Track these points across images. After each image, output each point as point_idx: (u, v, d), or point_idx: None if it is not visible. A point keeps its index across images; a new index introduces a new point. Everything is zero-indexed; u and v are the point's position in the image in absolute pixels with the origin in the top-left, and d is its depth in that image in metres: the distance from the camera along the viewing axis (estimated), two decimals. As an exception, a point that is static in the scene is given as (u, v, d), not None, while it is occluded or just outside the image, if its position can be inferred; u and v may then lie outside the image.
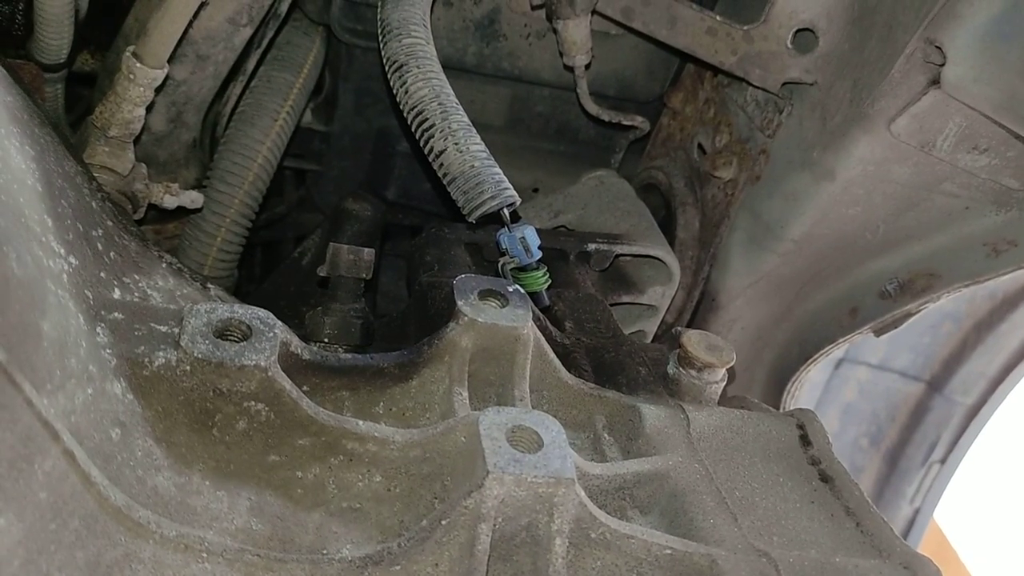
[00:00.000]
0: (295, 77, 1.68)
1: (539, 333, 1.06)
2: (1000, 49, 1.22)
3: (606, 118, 1.76)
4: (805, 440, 1.12)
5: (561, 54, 1.61)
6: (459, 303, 0.99)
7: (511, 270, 1.23)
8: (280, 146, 1.66)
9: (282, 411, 0.85)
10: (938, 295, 1.58)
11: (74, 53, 1.43)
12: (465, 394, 0.97)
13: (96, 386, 0.76)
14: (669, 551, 0.88)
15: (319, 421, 0.86)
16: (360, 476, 0.88)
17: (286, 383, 0.85)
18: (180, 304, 0.98)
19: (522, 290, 1.06)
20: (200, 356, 0.82)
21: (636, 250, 1.59)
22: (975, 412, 3.40)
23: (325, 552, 0.82)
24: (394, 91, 1.26)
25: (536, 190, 1.90)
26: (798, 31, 1.49)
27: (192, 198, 1.52)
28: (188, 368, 0.83)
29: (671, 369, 1.18)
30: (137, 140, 1.41)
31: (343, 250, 1.22)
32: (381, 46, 1.31)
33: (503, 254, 1.24)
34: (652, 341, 1.74)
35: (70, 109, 1.54)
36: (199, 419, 0.84)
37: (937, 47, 1.27)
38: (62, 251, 0.80)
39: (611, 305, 1.50)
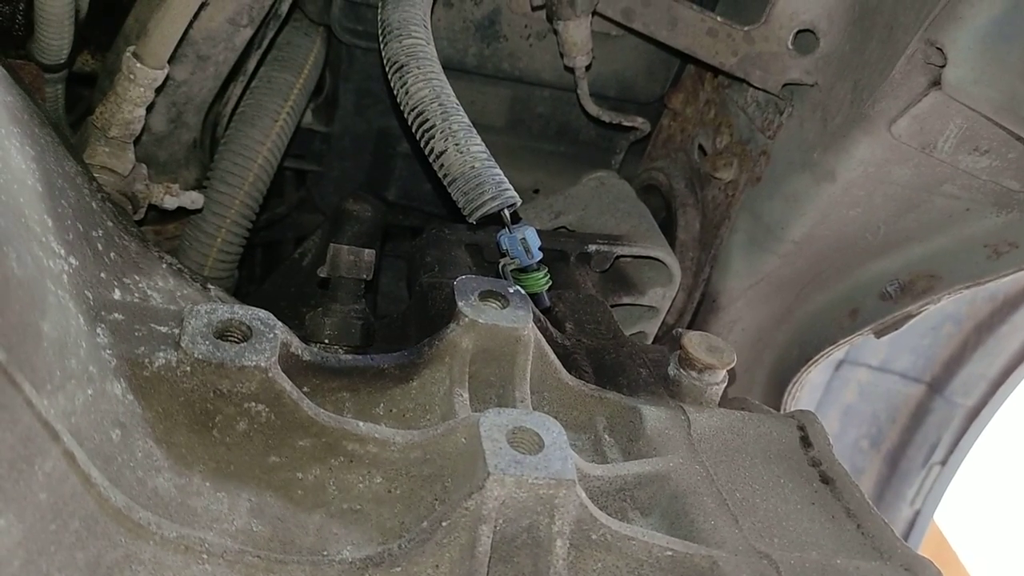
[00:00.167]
0: (295, 78, 1.68)
1: (540, 334, 1.05)
2: (1001, 50, 1.22)
3: (606, 119, 1.76)
4: (806, 441, 1.12)
5: (562, 55, 1.61)
6: (460, 304, 0.99)
7: (512, 271, 1.23)
8: (280, 147, 1.66)
9: (282, 412, 0.85)
10: (939, 297, 1.58)
11: (74, 53, 1.43)
12: (466, 395, 0.96)
13: (96, 387, 0.76)
14: (670, 553, 0.88)
15: (319, 422, 0.86)
16: (361, 477, 0.88)
17: (286, 384, 0.85)
18: (180, 305, 0.98)
19: (523, 291, 1.06)
20: (200, 357, 0.82)
21: (637, 251, 1.59)
22: (975, 414, 3.40)
23: (325, 553, 0.81)
24: (395, 92, 1.26)
25: (537, 191, 1.90)
26: (799, 32, 1.49)
27: (192, 199, 1.52)
28: (188, 369, 0.83)
29: (672, 370, 1.18)
30: (137, 140, 1.41)
31: (343, 251, 1.22)
32: (382, 47, 1.30)
33: (504, 255, 1.23)
34: (653, 342, 1.74)
35: (70, 109, 1.54)
36: (199, 420, 0.84)
37: (938, 48, 1.27)
38: (62, 251, 0.80)
39: (612, 306, 1.49)
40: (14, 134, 0.81)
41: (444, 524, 0.79)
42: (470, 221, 1.19)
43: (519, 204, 1.21)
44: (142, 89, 1.32)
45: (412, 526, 0.85)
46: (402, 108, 1.25)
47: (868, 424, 3.57)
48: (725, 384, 1.18)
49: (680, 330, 1.21)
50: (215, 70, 1.50)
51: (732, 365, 1.16)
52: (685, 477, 1.00)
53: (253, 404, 0.85)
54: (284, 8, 1.59)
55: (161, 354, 0.83)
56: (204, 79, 1.51)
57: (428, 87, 1.23)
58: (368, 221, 1.72)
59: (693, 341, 1.16)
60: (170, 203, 1.48)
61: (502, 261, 1.24)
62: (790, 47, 1.50)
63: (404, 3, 1.33)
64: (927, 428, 3.46)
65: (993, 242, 1.50)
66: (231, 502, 0.83)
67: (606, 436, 1.08)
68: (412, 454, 0.88)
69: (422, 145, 1.23)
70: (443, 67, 1.28)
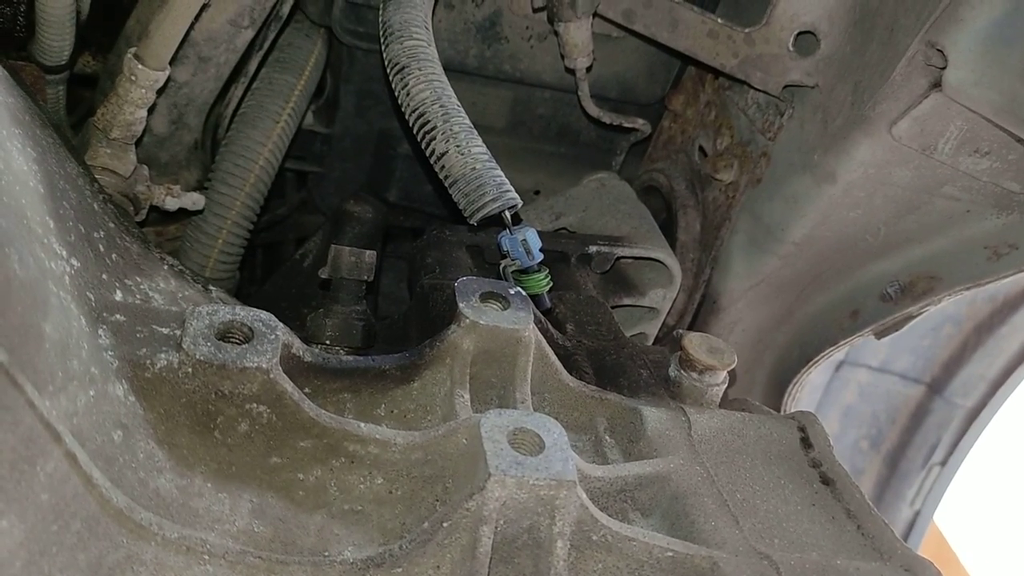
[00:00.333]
0: (297, 79, 1.68)
1: (540, 335, 1.06)
2: (1001, 52, 1.22)
3: (607, 120, 1.76)
4: (806, 442, 1.12)
5: (562, 56, 1.61)
6: (461, 305, 0.99)
7: (512, 272, 1.23)
8: (281, 148, 1.66)
9: (284, 413, 0.85)
10: (939, 298, 1.58)
11: (76, 55, 1.43)
12: (467, 396, 0.97)
13: (98, 388, 0.76)
14: (670, 553, 0.88)
15: (321, 423, 0.86)
16: (362, 478, 0.88)
17: (288, 385, 0.85)
18: (182, 306, 0.98)
19: (523, 292, 1.06)
20: (202, 358, 0.83)
21: (637, 252, 1.59)
22: (975, 415, 3.40)
23: (327, 554, 0.82)
24: (396, 93, 1.26)
25: (537, 192, 1.90)
26: (799, 34, 1.49)
27: (193, 200, 1.52)
28: (190, 370, 0.83)
29: (672, 371, 1.18)
30: (139, 142, 1.41)
31: (344, 252, 1.22)
32: (383, 48, 1.31)
33: (504, 256, 1.24)
34: (653, 343, 1.74)
35: (72, 111, 1.54)
36: (201, 421, 0.84)
37: (938, 50, 1.27)
38: (64, 253, 0.80)
39: (612, 307, 1.50)
40: (16, 135, 0.81)
41: (445, 525, 0.79)
42: (471, 222, 1.20)
43: (520, 205, 1.21)
44: (143, 90, 1.32)
45: (413, 527, 0.85)
46: (403, 109, 1.25)
47: (868, 425, 3.57)
48: (726, 385, 1.18)
49: (681, 331, 1.21)
50: (216, 71, 1.50)
51: (733, 366, 1.16)
52: (686, 478, 1.00)
53: (254, 405, 0.85)
54: (285, 9, 1.59)
55: (163, 355, 0.84)
56: (205, 80, 1.51)
57: (429, 88, 1.23)
58: (369, 222, 1.72)
59: (694, 342, 1.16)
60: (171, 204, 1.48)
61: (503, 262, 1.24)
62: (791, 49, 1.50)
63: (405, 5, 1.33)
64: (927, 429, 3.46)
65: (993, 243, 1.50)
66: (232, 503, 0.83)
67: (607, 437, 1.08)
68: (413, 455, 0.88)
69: (423, 146, 1.23)
70: (444, 68, 1.28)
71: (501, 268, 1.24)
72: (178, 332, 0.86)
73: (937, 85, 1.30)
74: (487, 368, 1.01)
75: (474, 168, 1.19)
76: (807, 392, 2.71)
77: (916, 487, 3.53)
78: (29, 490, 0.62)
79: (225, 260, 1.64)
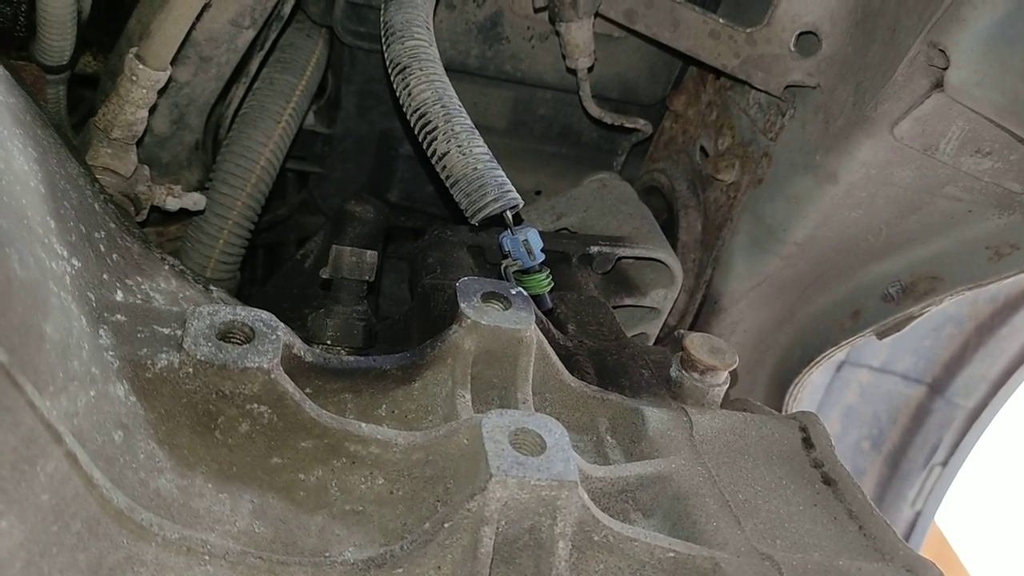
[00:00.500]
0: (298, 79, 1.68)
1: (542, 336, 1.05)
2: (1003, 53, 1.21)
3: (608, 121, 1.76)
4: (808, 443, 1.12)
5: (564, 57, 1.61)
6: (462, 305, 0.99)
7: (514, 272, 1.23)
8: (283, 148, 1.66)
9: (285, 413, 0.85)
10: (940, 298, 1.57)
11: (76, 55, 1.43)
12: (468, 396, 0.96)
13: (99, 388, 0.76)
14: (672, 554, 0.88)
15: (322, 423, 0.86)
16: (363, 478, 0.88)
17: (289, 385, 0.85)
18: (183, 306, 0.98)
19: (525, 293, 1.06)
20: (203, 358, 0.82)
21: (638, 253, 1.59)
22: (976, 415, 3.40)
23: (328, 555, 0.81)
24: (397, 93, 1.26)
25: (539, 193, 1.90)
26: (801, 34, 1.49)
27: (194, 200, 1.52)
28: (191, 370, 0.83)
29: (674, 372, 1.18)
30: (140, 142, 1.41)
31: (345, 252, 1.22)
32: (384, 48, 1.31)
33: (506, 256, 1.23)
34: (655, 344, 1.74)
35: (73, 111, 1.54)
36: (202, 421, 0.84)
37: (940, 50, 1.27)
38: (65, 253, 0.80)
39: (614, 308, 1.49)
40: (16, 136, 0.81)
41: (446, 525, 0.79)
42: (472, 223, 1.20)
43: (521, 206, 1.21)
44: (144, 91, 1.32)
45: (414, 527, 0.85)
46: (404, 110, 1.25)
47: (869, 425, 3.57)
48: (727, 385, 1.18)
49: (682, 331, 1.21)
50: (217, 71, 1.50)
51: (734, 366, 1.16)
52: (687, 478, 1.00)
53: (255, 405, 0.85)
54: (286, 9, 1.59)
55: (163, 356, 0.84)
56: (206, 80, 1.51)
57: (430, 89, 1.23)
58: (370, 223, 1.72)
59: (695, 342, 1.16)
60: (172, 204, 1.48)
61: (504, 263, 1.24)
62: (792, 49, 1.50)
63: (406, 5, 1.33)
64: (928, 429, 3.46)
65: (995, 244, 1.50)
66: (233, 503, 0.83)
67: (608, 437, 1.08)
68: (414, 455, 0.88)
69: (424, 147, 1.23)
70: (445, 69, 1.28)
71: (502, 268, 1.24)
72: (179, 332, 0.86)
73: (939, 85, 1.30)
74: (488, 368, 1.01)
75: (475, 168, 1.19)
76: (808, 392, 2.71)
77: (917, 487, 3.53)
78: (29, 491, 0.62)
79: (226, 260, 1.64)
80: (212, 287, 1.08)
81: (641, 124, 1.81)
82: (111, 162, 1.36)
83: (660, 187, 1.86)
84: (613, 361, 1.21)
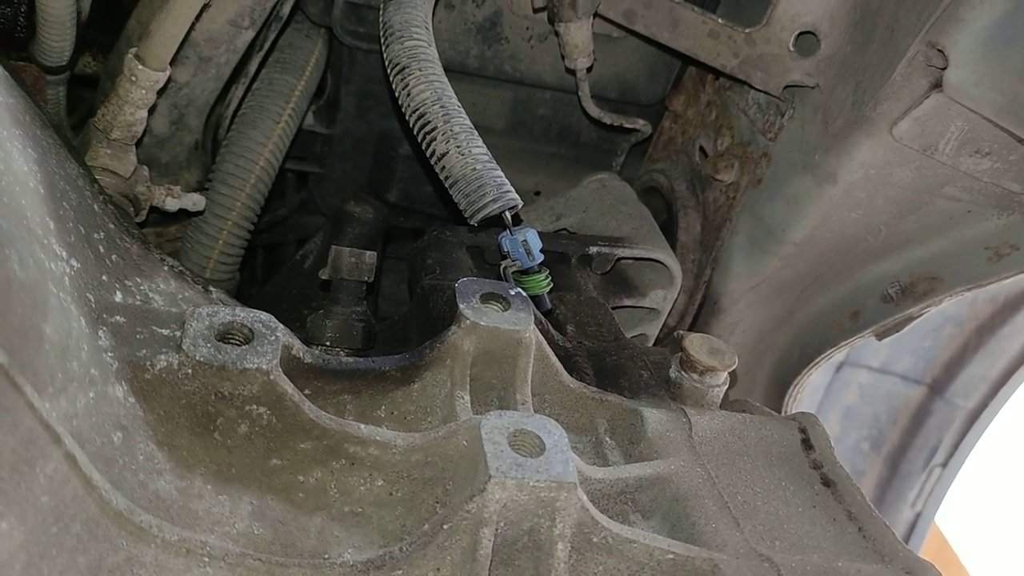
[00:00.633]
0: (297, 79, 1.68)
1: (541, 336, 1.05)
2: (1002, 53, 1.22)
3: (608, 121, 1.76)
4: (807, 444, 1.12)
5: (563, 57, 1.61)
6: (461, 306, 0.99)
7: (513, 273, 1.23)
8: (282, 149, 1.66)
9: (284, 415, 0.85)
10: (940, 299, 1.57)
11: (76, 55, 1.43)
12: (467, 398, 0.96)
13: (98, 389, 0.76)
14: (671, 555, 0.88)
15: (321, 425, 0.86)
16: (362, 480, 0.88)
17: (288, 387, 0.85)
18: (182, 307, 0.98)
19: (524, 293, 1.06)
20: (202, 360, 0.82)
21: (638, 253, 1.59)
22: (976, 416, 3.40)
23: (327, 556, 0.81)
24: (396, 94, 1.26)
25: (538, 193, 1.90)
26: (800, 34, 1.49)
27: (194, 201, 1.52)
28: (190, 371, 0.83)
29: (673, 373, 1.18)
30: (139, 143, 1.41)
31: (345, 253, 1.22)
32: (383, 49, 1.31)
33: (505, 257, 1.23)
34: (654, 344, 1.74)
35: (72, 111, 1.54)
36: (201, 423, 0.84)
37: (939, 50, 1.27)
38: (64, 254, 0.80)
39: (613, 308, 1.49)
40: (16, 136, 0.81)
41: (445, 527, 0.79)
42: (471, 223, 1.20)
43: (520, 206, 1.21)
44: (144, 91, 1.32)
45: (413, 529, 0.85)
46: (403, 110, 1.25)
47: (869, 426, 3.57)
48: (726, 386, 1.18)
49: (681, 332, 1.21)
50: (217, 72, 1.50)
51: (733, 367, 1.16)
52: (686, 480, 1.00)
53: (254, 407, 0.85)
54: (286, 10, 1.59)
55: (163, 357, 0.83)
56: (206, 81, 1.51)
57: (430, 89, 1.23)
58: (369, 223, 1.72)
59: (694, 343, 1.16)
60: (172, 205, 1.48)
61: (503, 263, 1.24)
62: (791, 49, 1.50)
63: (405, 5, 1.33)
64: (928, 430, 3.46)
65: (994, 244, 1.50)
66: (232, 505, 0.83)
67: (607, 438, 1.08)
68: (413, 457, 0.88)
69: (423, 147, 1.23)
70: (444, 69, 1.28)
71: (501, 269, 1.24)
72: (178, 333, 0.86)
73: (938, 85, 1.30)
74: (487, 369, 1.01)
75: (474, 169, 1.19)
76: (808, 393, 2.71)
77: (917, 488, 3.53)
78: (29, 492, 0.62)
79: (225, 261, 1.64)
80: (211, 288, 1.08)
81: (640, 124, 1.81)
82: (110, 163, 1.36)
83: (659, 187, 1.86)
84: (612, 362, 1.21)
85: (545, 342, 1.07)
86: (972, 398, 3.37)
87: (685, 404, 1.14)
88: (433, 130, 1.21)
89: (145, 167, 1.43)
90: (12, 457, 0.60)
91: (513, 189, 1.20)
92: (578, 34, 1.55)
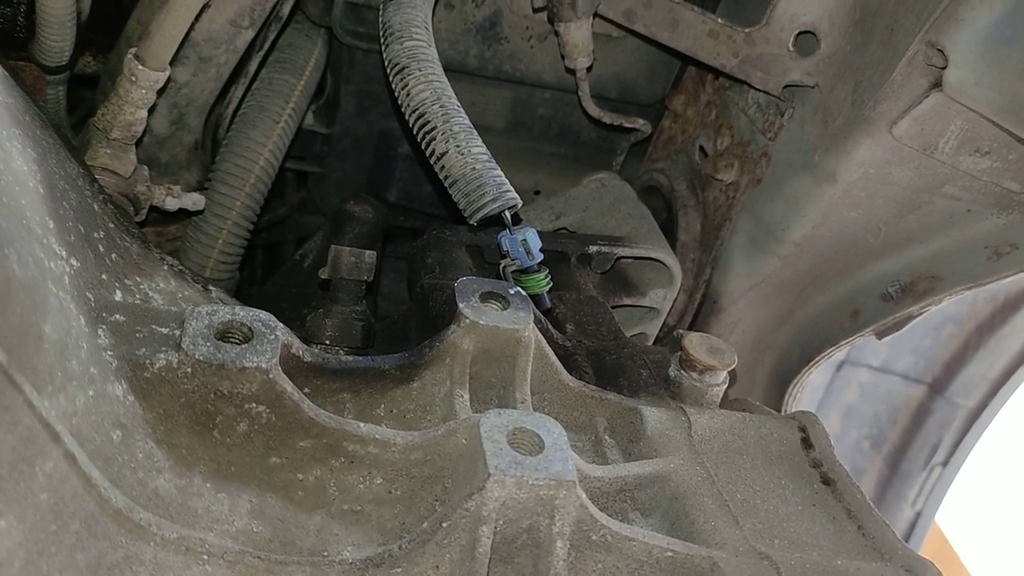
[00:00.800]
0: (297, 79, 1.69)
1: (540, 335, 1.05)
2: (1001, 52, 1.22)
3: (607, 120, 1.76)
4: (807, 443, 1.12)
5: (562, 56, 1.61)
6: (460, 305, 0.99)
7: (512, 272, 1.23)
8: (282, 148, 1.66)
9: (283, 413, 0.85)
10: (940, 298, 1.57)
11: (76, 55, 1.43)
12: (466, 396, 0.97)
13: (97, 388, 0.76)
14: (670, 553, 0.88)
15: (320, 423, 0.86)
16: (361, 478, 0.88)
17: (287, 385, 0.85)
18: (181, 306, 0.98)
19: (523, 292, 1.06)
20: (201, 358, 0.83)
21: (637, 252, 1.59)
22: (977, 415, 3.39)
23: (326, 554, 0.82)
24: (396, 93, 1.26)
25: (537, 192, 1.90)
26: (799, 34, 1.49)
27: (194, 200, 1.52)
28: (189, 370, 0.83)
29: (672, 372, 1.18)
30: (139, 142, 1.41)
31: (344, 252, 1.22)
32: (383, 48, 1.31)
33: (504, 256, 1.24)
34: (654, 344, 1.74)
35: (72, 111, 1.54)
36: (200, 421, 0.84)
37: (939, 50, 1.27)
38: (64, 253, 0.80)
39: (612, 307, 1.49)
40: (16, 136, 0.81)
41: (444, 525, 0.79)
42: (471, 222, 1.20)
43: (520, 205, 1.21)
44: (144, 91, 1.32)
45: (412, 527, 0.85)
46: (403, 110, 1.25)
47: (869, 425, 3.57)
48: (726, 385, 1.18)
49: (681, 331, 1.21)
50: (216, 72, 1.50)
51: (733, 366, 1.16)
52: (686, 478, 1.00)
53: (254, 405, 0.85)
54: (285, 10, 1.59)
55: (162, 355, 0.84)
56: (206, 81, 1.51)
57: (429, 89, 1.23)
58: (369, 222, 1.72)
59: (694, 342, 1.16)
60: (171, 204, 1.48)
61: (503, 262, 1.24)
62: (791, 49, 1.50)
63: (405, 5, 1.33)
64: (928, 429, 3.46)
65: (994, 243, 1.50)
66: (232, 503, 0.83)
67: (607, 437, 1.08)
68: (413, 455, 0.88)
69: (423, 147, 1.23)
70: (444, 69, 1.28)
71: (501, 268, 1.24)
72: (177, 332, 0.86)
73: (937, 85, 1.30)
74: (487, 368, 1.01)
75: (474, 168, 1.19)
76: (808, 392, 2.71)
77: (918, 487, 3.52)
78: (28, 490, 0.62)
79: (225, 260, 1.64)
80: (211, 287, 1.08)
81: (640, 124, 1.81)
82: (110, 162, 1.36)
83: (659, 187, 1.86)
84: (612, 361, 1.21)
85: (544, 341, 1.07)
86: (972, 397, 3.37)
87: (684, 403, 1.14)
88: (433, 130, 1.21)
89: (145, 167, 1.43)
90: (11, 455, 0.61)
91: (512, 188, 1.20)
92: (578, 34, 1.55)
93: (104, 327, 0.84)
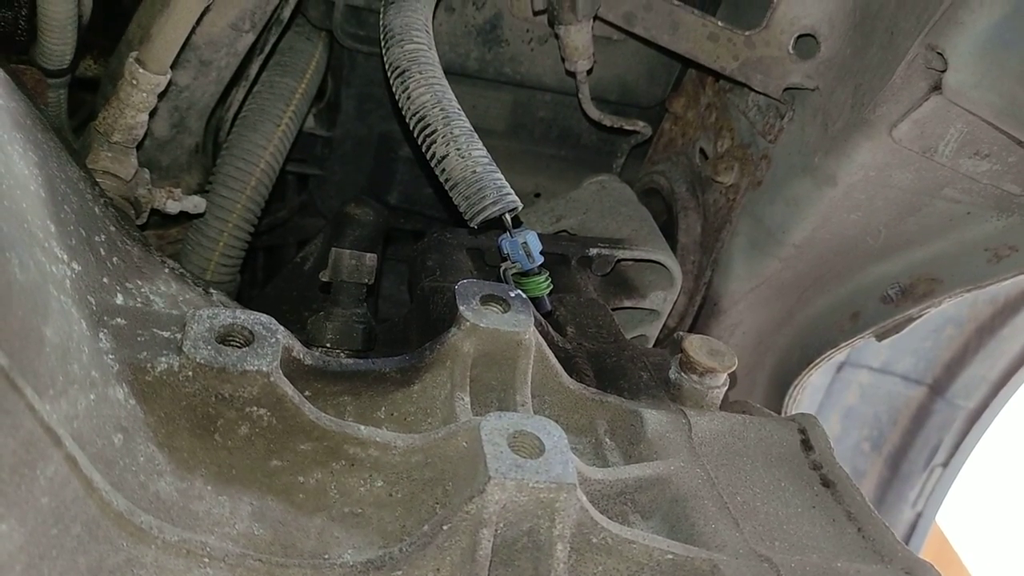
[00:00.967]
0: (298, 82, 1.69)
1: (541, 338, 1.06)
2: (1001, 55, 1.22)
3: (608, 123, 1.76)
4: (807, 445, 1.12)
5: (563, 59, 1.61)
6: (461, 308, 0.99)
7: (513, 275, 1.23)
8: (283, 151, 1.67)
9: (284, 416, 0.86)
10: (940, 300, 1.58)
11: (77, 59, 1.43)
12: (467, 399, 0.97)
13: (98, 391, 0.76)
14: (671, 556, 0.88)
15: (321, 426, 0.86)
16: (362, 481, 0.88)
17: (288, 388, 0.85)
18: (182, 309, 0.98)
19: (524, 295, 1.06)
20: (202, 361, 0.83)
21: (638, 255, 1.59)
22: (977, 416, 3.39)
23: (327, 557, 0.82)
24: (396, 96, 1.26)
25: (538, 195, 1.90)
26: (799, 37, 1.49)
27: (195, 203, 1.52)
28: (190, 373, 0.83)
29: (673, 374, 1.18)
30: (140, 145, 1.41)
31: (345, 255, 1.22)
32: (383, 51, 1.31)
33: (505, 259, 1.24)
34: (654, 346, 1.74)
35: (73, 114, 1.54)
36: (201, 424, 0.84)
37: (938, 53, 1.27)
38: (65, 256, 0.81)
39: (613, 310, 1.49)
40: (17, 139, 0.81)
41: (445, 528, 0.79)
42: (471, 225, 1.20)
43: (520, 208, 1.22)
44: (145, 94, 1.32)
45: (413, 529, 0.86)
46: (404, 113, 1.26)
47: (869, 426, 3.56)
48: (726, 387, 1.18)
49: (681, 333, 1.21)
50: (217, 75, 1.51)
51: (733, 368, 1.16)
52: (686, 480, 1.00)
53: (255, 408, 0.85)
54: (286, 13, 1.59)
55: (163, 359, 0.84)
56: (206, 84, 1.51)
57: (430, 92, 1.23)
58: (370, 225, 1.72)
59: (694, 344, 1.17)
60: (172, 208, 1.48)
61: (503, 265, 1.24)
62: (791, 51, 1.50)
63: (406, 8, 1.33)
64: (928, 430, 3.46)
65: (994, 246, 1.50)
66: (233, 506, 0.83)
67: (607, 439, 1.08)
68: (413, 458, 0.88)
69: (423, 149, 1.23)
70: (444, 72, 1.29)
71: (501, 271, 1.24)
72: (179, 335, 0.86)
73: (937, 88, 1.30)
74: (487, 371, 1.02)
75: (474, 171, 1.19)
76: (808, 394, 2.71)
77: (918, 489, 3.52)
78: (29, 494, 0.63)
79: (226, 263, 1.64)
80: (212, 290, 1.08)
81: (640, 126, 1.81)
82: (111, 165, 1.36)
83: (659, 189, 1.86)
84: (612, 363, 1.21)
85: (545, 343, 1.07)
86: (973, 398, 3.37)
87: (685, 405, 1.14)
88: (433, 133, 1.21)
89: (146, 170, 1.44)
90: (13, 459, 0.61)
91: (513, 191, 1.21)
92: (578, 37, 1.55)
93: (105, 331, 0.84)
